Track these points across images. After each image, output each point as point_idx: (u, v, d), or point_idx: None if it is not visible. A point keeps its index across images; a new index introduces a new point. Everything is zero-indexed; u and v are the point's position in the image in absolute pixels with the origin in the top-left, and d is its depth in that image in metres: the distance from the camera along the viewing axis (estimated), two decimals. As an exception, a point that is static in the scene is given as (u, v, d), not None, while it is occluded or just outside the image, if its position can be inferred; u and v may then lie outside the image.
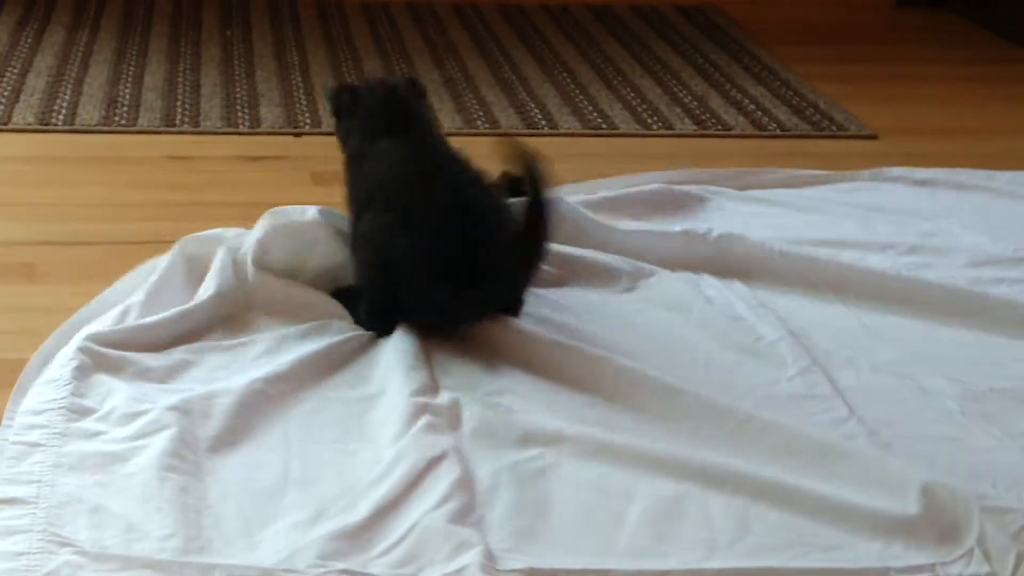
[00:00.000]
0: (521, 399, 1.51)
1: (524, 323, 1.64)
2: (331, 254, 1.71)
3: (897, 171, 2.25)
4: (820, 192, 2.16)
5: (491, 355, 1.60)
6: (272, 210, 1.75)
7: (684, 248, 1.88)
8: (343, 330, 1.63)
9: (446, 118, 2.48)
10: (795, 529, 1.32)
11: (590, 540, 1.30)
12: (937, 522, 1.32)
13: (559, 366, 1.57)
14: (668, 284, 1.81)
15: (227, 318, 1.65)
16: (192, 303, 1.65)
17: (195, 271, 1.72)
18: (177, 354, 1.57)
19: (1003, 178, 2.24)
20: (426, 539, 1.27)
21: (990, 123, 2.63)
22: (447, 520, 1.29)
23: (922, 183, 2.21)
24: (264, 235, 1.70)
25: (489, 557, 1.24)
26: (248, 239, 1.72)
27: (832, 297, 1.81)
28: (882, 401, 1.56)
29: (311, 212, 1.75)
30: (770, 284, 1.83)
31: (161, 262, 1.72)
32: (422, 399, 1.48)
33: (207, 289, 1.66)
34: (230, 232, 1.79)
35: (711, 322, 1.73)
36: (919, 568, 1.27)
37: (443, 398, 1.49)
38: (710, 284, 1.81)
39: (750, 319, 1.73)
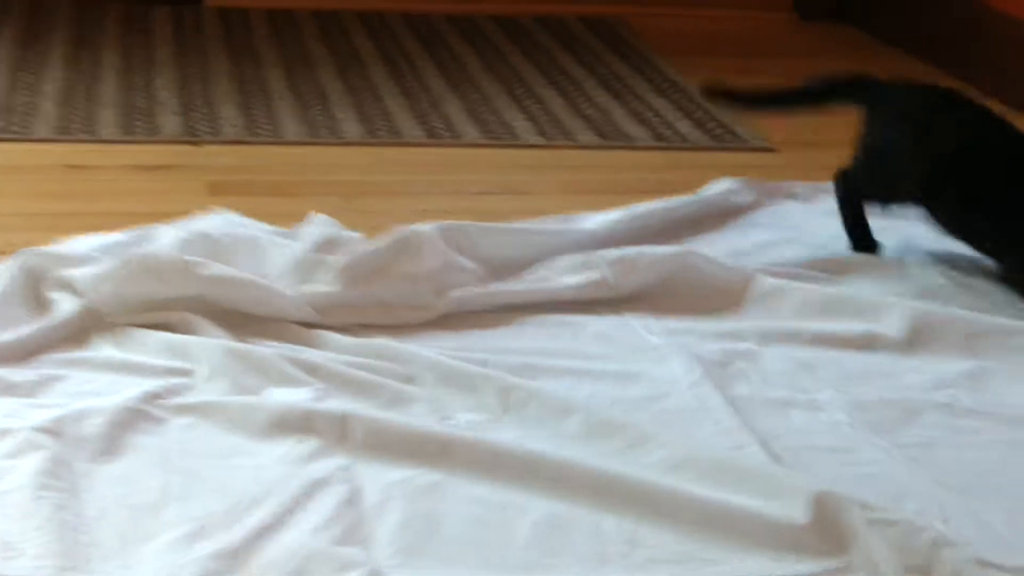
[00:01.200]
0: (411, 414, 1.51)
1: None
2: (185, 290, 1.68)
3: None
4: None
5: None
6: (130, 256, 1.71)
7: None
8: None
9: (348, 128, 2.47)
10: (685, 542, 1.33)
11: (480, 554, 1.30)
12: (824, 533, 1.33)
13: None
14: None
15: (87, 330, 1.64)
16: (53, 315, 1.64)
17: (36, 285, 1.70)
18: (43, 368, 1.55)
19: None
20: (310, 560, 1.25)
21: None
22: (331, 541, 1.28)
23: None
24: (107, 273, 1.68)
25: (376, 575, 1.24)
26: (88, 272, 1.69)
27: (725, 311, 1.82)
28: (772, 413, 1.58)
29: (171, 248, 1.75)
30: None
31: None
32: (308, 412, 1.47)
33: (63, 301, 1.65)
34: (73, 243, 1.78)
35: (603, 335, 1.74)
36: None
37: (331, 411, 1.48)
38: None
39: (640, 331, 1.74)
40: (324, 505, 1.33)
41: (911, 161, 1.93)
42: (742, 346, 1.73)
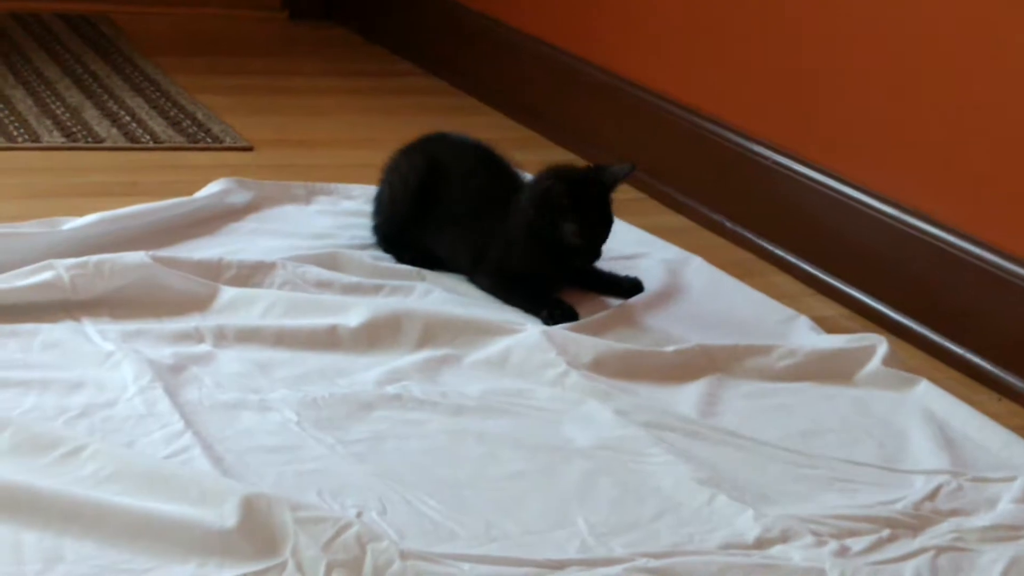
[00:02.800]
0: None
1: None
2: None
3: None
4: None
5: None
6: None
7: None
8: None
9: None
10: (110, 555, 1.29)
11: None
12: (254, 535, 1.32)
13: None
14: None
15: None
16: None
17: None
18: None
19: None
20: None
21: (363, 133, 2.71)
22: None
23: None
24: None
25: None
26: None
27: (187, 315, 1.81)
28: (221, 415, 1.56)
29: None
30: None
31: None
32: None
33: None
34: None
35: (53, 343, 1.70)
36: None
37: None
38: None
39: (95, 337, 1.71)
40: None
41: (392, 202, 2.08)
42: (199, 349, 1.72)
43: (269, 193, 2.25)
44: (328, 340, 1.77)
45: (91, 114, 2.57)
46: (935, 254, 1.95)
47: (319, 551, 1.30)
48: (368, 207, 2.15)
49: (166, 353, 1.69)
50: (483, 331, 1.80)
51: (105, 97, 2.69)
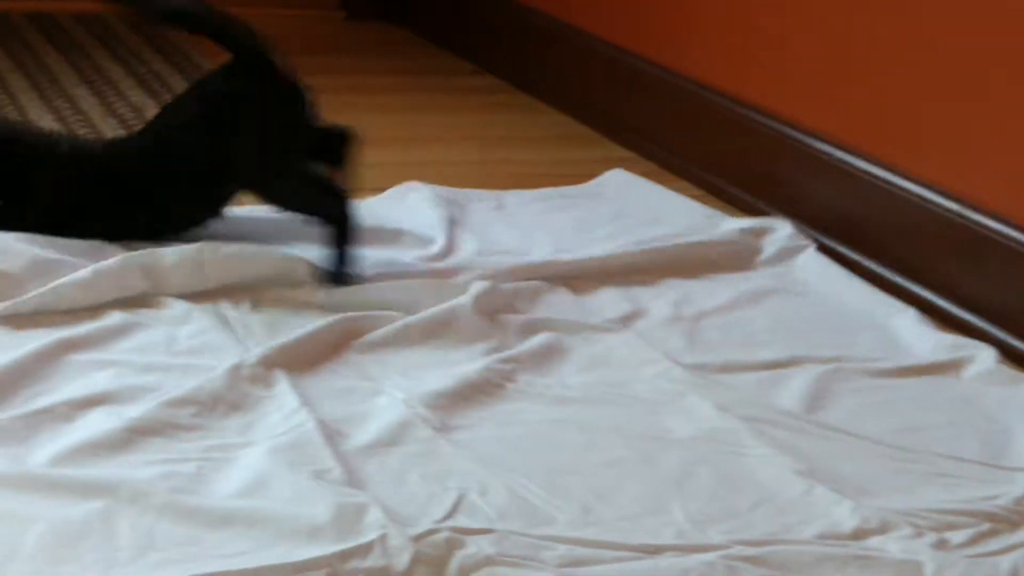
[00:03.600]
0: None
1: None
2: None
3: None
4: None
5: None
6: None
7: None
8: None
9: None
10: (200, 542, 1.30)
11: (-23, 568, 1.24)
12: (345, 527, 1.32)
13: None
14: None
15: None
16: None
17: None
18: None
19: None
20: None
21: (422, 132, 2.72)
22: None
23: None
24: None
25: None
26: None
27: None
28: (334, 399, 1.59)
29: None
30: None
31: None
32: None
33: None
34: None
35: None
36: (314, 563, 1.27)
37: None
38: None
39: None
40: None
41: None
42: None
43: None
44: (438, 328, 1.78)
45: (154, 113, 2.58)
46: (1015, 256, 1.93)
47: (407, 540, 1.30)
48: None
49: (294, 332, 1.71)
50: (587, 327, 1.81)
51: (168, 97, 2.69)
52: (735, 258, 2.12)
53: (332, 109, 2.78)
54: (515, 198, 2.32)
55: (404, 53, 3.30)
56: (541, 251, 2.07)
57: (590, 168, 2.45)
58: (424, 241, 2.08)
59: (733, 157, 2.45)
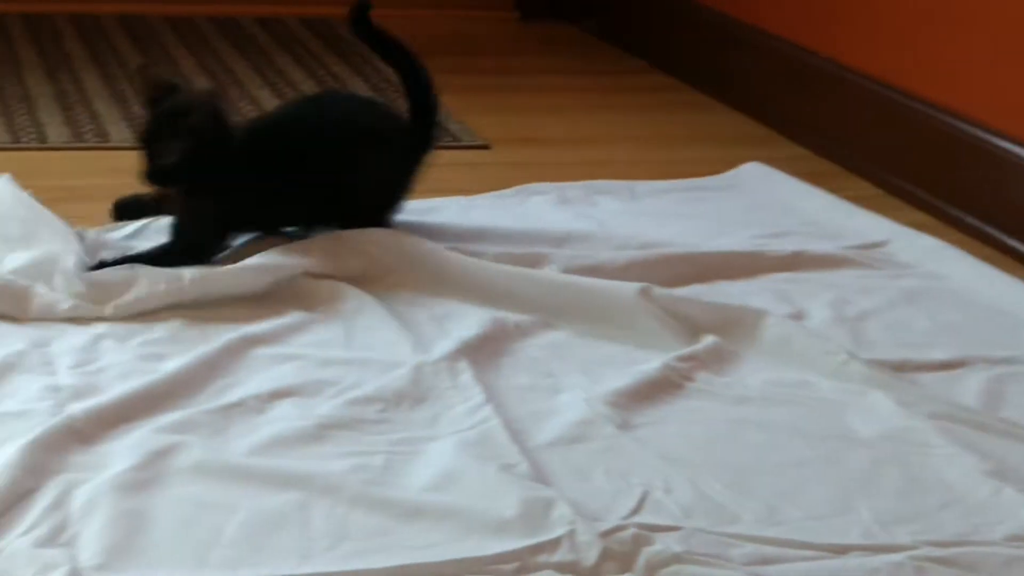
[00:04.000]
0: (135, 420, 1.49)
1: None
2: None
3: (541, 186, 2.30)
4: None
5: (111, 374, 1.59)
6: None
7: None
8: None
9: (53, 132, 2.42)
10: (392, 533, 1.34)
11: (184, 553, 1.29)
12: (532, 522, 1.34)
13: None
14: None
15: None
16: None
17: None
18: None
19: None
20: (8, 566, 1.23)
21: (598, 131, 2.73)
22: (33, 544, 1.26)
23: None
24: None
25: (76, 576, 1.22)
26: None
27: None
28: (516, 394, 1.61)
29: None
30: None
31: None
32: (37, 419, 1.46)
33: None
34: None
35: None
36: (505, 557, 1.30)
37: (59, 417, 1.46)
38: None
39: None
40: (30, 512, 1.31)
41: None
42: (503, 331, 1.76)
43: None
44: (615, 327, 1.79)
45: (335, 113, 2.63)
46: None
47: (595, 536, 1.32)
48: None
49: (471, 328, 1.74)
50: (761, 324, 1.80)
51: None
52: (874, 257, 2.09)
53: (508, 109, 2.83)
54: (647, 188, 2.32)
55: (577, 52, 3.32)
56: (683, 243, 2.06)
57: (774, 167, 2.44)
58: (565, 240, 2.07)
59: (911, 156, 2.43)
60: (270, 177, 1.85)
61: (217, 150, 1.76)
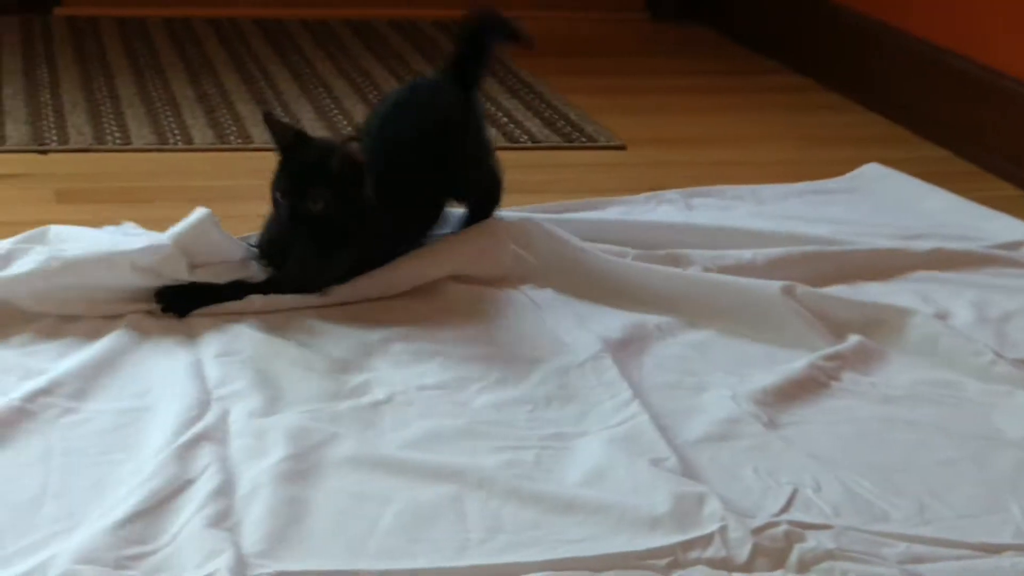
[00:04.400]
0: (290, 412, 1.53)
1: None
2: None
3: (670, 193, 2.30)
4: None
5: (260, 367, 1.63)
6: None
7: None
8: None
9: (198, 134, 2.48)
10: (545, 527, 1.36)
11: (342, 543, 1.32)
12: (684, 518, 1.37)
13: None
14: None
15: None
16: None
17: None
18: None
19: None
20: (180, 546, 1.29)
21: (731, 131, 2.74)
22: (203, 525, 1.31)
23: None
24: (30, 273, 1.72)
25: (239, 562, 1.26)
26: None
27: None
28: (662, 392, 1.63)
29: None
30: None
31: None
32: (191, 411, 1.50)
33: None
34: None
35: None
36: (659, 552, 1.32)
37: (212, 410, 1.51)
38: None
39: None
40: (198, 494, 1.36)
41: None
42: (644, 330, 1.80)
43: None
44: (759, 326, 1.81)
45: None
46: None
47: (747, 533, 1.33)
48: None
49: (615, 327, 1.77)
50: (907, 323, 1.79)
51: (484, 99, 2.78)
52: (1014, 257, 2.07)
53: (643, 110, 2.84)
54: (771, 192, 2.32)
55: (709, 53, 3.33)
56: (824, 241, 2.06)
57: (906, 168, 2.43)
58: (705, 240, 2.07)
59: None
60: (401, 217, 1.89)
61: (356, 196, 1.81)
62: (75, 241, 1.81)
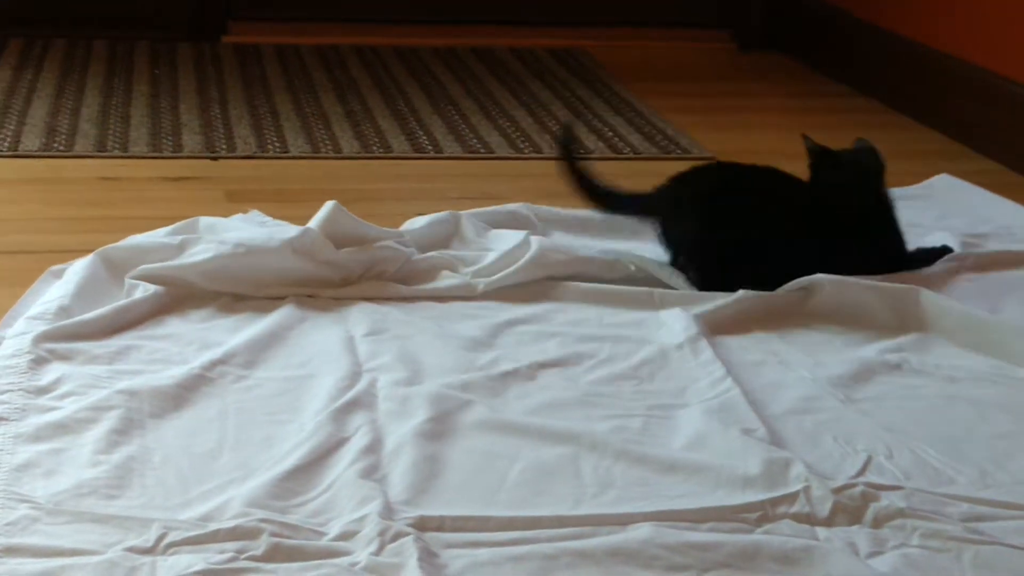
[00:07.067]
0: (429, 382, 1.56)
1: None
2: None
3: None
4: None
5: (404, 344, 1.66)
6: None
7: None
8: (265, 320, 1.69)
9: (346, 144, 2.52)
10: (651, 484, 1.38)
11: (474, 495, 1.35)
12: (773, 479, 1.37)
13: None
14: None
15: (160, 310, 1.69)
16: (127, 300, 1.69)
17: (115, 273, 1.77)
18: (120, 341, 1.60)
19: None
20: (337, 493, 1.32)
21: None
22: (356, 477, 1.34)
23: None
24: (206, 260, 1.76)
25: (387, 508, 1.29)
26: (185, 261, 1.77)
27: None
28: (749, 370, 1.63)
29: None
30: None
31: (77, 265, 1.75)
32: (345, 380, 1.53)
33: (136, 288, 1.71)
34: (142, 238, 1.84)
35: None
36: (751, 507, 1.33)
37: (363, 379, 1.54)
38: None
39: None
40: (351, 450, 1.39)
41: None
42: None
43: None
44: (837, 313, 1.79)
45: (580, 130, 2.69)
46: None
47: (828, 492, 1.34)
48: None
49: (696, 312, 1.77)
50: (963, 317, 1.77)
51: (590, 116, 2.80)
52: None
53: (731, 127, 2.84)
54: None
55: (788, 78, 3.31)
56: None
57: (967, 179, 2.41)
58: None
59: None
60: None
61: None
62: (225, 230, 1.85)
